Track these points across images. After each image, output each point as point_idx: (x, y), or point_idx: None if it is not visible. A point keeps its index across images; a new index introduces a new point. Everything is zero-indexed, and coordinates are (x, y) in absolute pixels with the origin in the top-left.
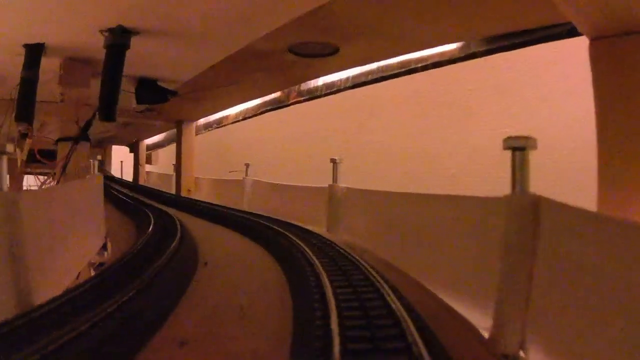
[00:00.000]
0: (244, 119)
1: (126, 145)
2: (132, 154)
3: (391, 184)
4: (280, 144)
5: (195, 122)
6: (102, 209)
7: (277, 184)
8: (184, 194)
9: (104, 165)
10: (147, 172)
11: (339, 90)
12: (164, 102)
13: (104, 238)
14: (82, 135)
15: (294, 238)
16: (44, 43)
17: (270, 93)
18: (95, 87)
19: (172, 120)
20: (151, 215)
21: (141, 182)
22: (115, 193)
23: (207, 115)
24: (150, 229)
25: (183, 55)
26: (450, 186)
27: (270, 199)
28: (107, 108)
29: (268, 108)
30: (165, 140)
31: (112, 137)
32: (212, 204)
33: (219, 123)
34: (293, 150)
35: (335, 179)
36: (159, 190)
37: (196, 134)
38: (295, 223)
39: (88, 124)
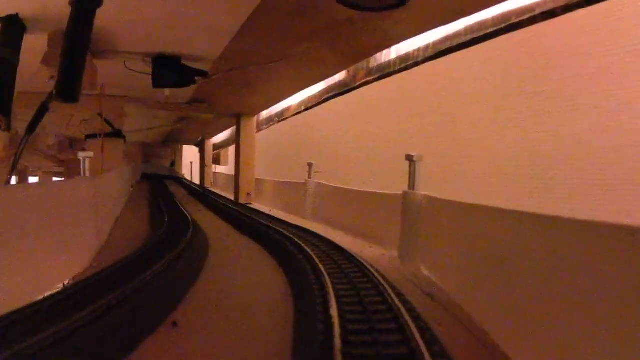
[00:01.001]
0: (307, 109)
1: (194, 145)
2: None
3: (478, 190)
4: (357, 142)
5: (255, 117)
6: (90, 225)
7: (343, 188)
8: (242, 199)
9: (174, 166)
10: (215, 173)
11: (416, 64)
12: (190, 85)
13: (88, 262)
14: (114, 131)
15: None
16: (17, 14)
17: (333, 73)
18: (103, 68)
19: (229, 114)
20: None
21: (207, 184)
22: (162, 206)
23: (266, 107)
24: None
25: (195, 18)
26: (550, 192)
27: (335, 207)
28: (68, 85)
29: (332, 94)
30: (230, 138)
31: (175, 135)
32: (266, 218)
33: (281, 116)
34: (371, 148)
35: (412, 184)
36: (215, 196)
37: (258, 130)
38: (354, 253)
39: (42, 109)
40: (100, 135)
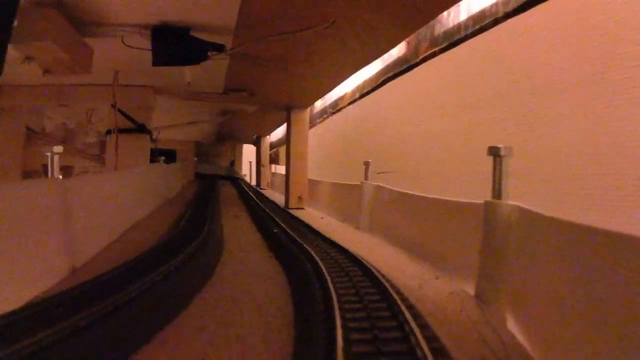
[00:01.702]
0: (362, 95)
1: (252, 143)
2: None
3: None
4: (423, 136)
5: (307, 110)
6: (54, 241)
7: (405, 193)
8: (292, 203)
9: (234, 166)
10: (273, 173)
11: (495, 22)
12: (200, 61)
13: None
14: (137, 125)
15: None
16: None
17: (389, 46)
18: (116, 52)
19: (276, 106)
20: None
21: (264, 185)
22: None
23: (317, 97)
24: None
25: None
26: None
27: (396, 217)
28: None
29: (391, 74)
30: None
31: (229, 132)
32: (307, 232)
33: (334, 107)
34: (443, 145)
35: (497, 190)
36: (264, 200)
37: (312, 125)
38: (408, 291)
39: None
40: (114, 130)
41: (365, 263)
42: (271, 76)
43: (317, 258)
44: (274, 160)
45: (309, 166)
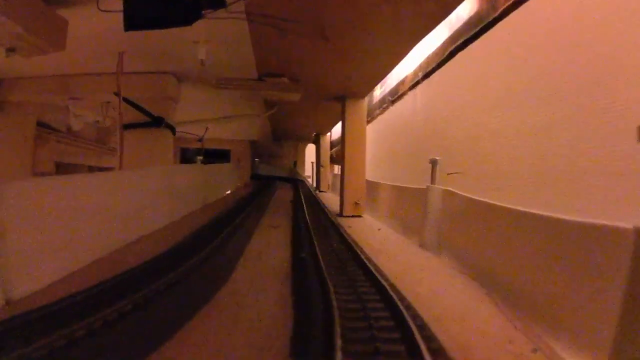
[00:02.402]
0: (426, 75)
1: (312, 142)
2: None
3: None
4: (518, 134)
5: (364, 100)
6: None
7: (487, 202)
8: (348, 210)
9: (296, 166)
10: (335, 175)
11: None
12: (191, 22)
13: None
14: (154, 119)
15: None
16: None
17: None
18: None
19: (326, 95)
20: None
21: (324, 188)
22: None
23: (375, 82)
24: None
25: None
26: None
27: (474, 234)
28: None
29: (461, 41)
30: None
31: (284, 130)
32: (347, 255)
33: (394, 93)
34: (541, 144)
35: None
36: (314, 208)
37: (371, 120)
38: None
39: None
40: (120, 126)
41: (418, 331)
42: (312, 54)
43: (337, 323)
44: (335, 160)
45: (367, 165)
